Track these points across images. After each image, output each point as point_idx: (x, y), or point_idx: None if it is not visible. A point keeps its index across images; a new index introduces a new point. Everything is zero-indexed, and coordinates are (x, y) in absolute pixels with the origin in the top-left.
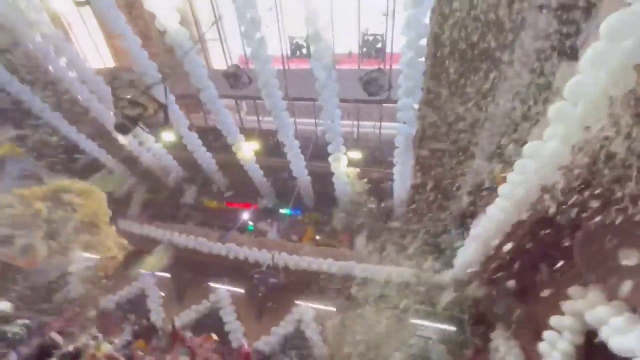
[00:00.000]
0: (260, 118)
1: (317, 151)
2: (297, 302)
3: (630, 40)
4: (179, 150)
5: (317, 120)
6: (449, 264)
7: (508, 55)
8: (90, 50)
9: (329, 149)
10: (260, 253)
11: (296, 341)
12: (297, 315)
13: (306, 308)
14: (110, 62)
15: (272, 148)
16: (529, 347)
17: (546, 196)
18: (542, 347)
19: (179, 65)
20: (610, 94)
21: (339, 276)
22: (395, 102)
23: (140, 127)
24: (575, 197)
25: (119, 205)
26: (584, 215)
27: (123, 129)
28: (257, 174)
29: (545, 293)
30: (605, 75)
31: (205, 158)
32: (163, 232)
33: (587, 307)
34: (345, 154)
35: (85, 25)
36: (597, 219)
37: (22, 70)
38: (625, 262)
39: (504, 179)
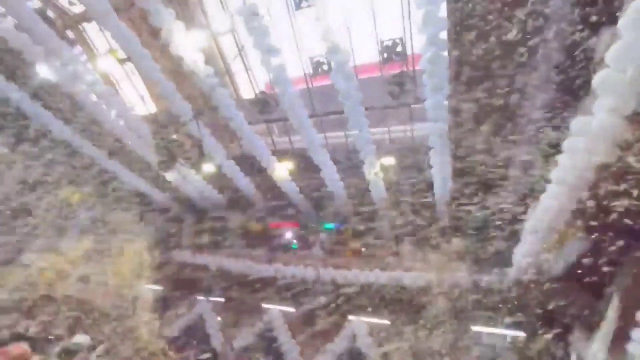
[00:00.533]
0: (292, 138)
1: (351, 162)
2: (349, 317)
3: None
4: (220, 179)
5: (347, 132)
6: (504, 264)
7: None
8: (135, 99)
9: (361, 156)
10: (306, 270)
11: (352, 358)
12: (349, 330)
13: (359, 323)
14: (153, 108)
15: (307, 165)
16: (614, 350)
17: (605, 175)
18: (631, 347)
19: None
20: None
21: (389, 287)
22: (422, 101)
23: (180, 163)
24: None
25: (171, 236)
26: None
27: (165, 166)
28: (293, 192)
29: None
30: None
31: (244, 183)
32: (213, 258)
33: None
34: (379, 160)
35: (130, 78)
36: None
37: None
38: None
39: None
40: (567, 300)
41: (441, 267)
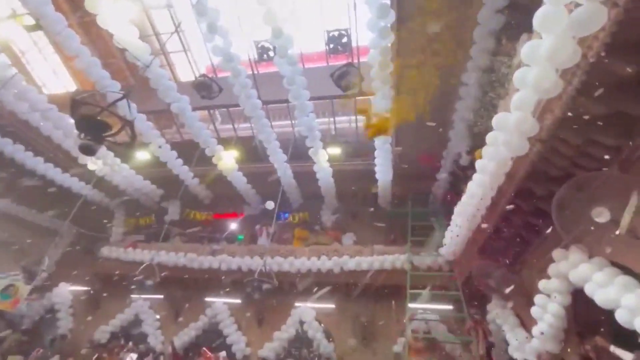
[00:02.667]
0: (236, 126)
1: (297, 152)
2: (296, 304)
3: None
4: (156, 167)
5: (293, 122)
6: (438, 246)
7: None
8: (48, 75)
9: (307, 143)
10: (252, 260)
11: (300, 343)
12: (297, 317)
13: (305, 309)
14: (72, 86)
15: (252, 154)
16: (522, 313)
17: (520, 166)
18: (534, 311)
19: (145, 81)
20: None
21: (334, 272)
22: (367, 95)
23: (106, 147)
24: (545, 163)
25: (99, 231)
26: (555, 179)
27: (88, 150)
28: (240, 181)
29: (533, 260)
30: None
31: (184, 172)
32: (149, 253)
33: (570, 267)
34: (324, 149)
35: (40, 51)
36: (567, 182)
37: None
38: (598, 219)
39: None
40: (486, 275)
41: (383, 251)
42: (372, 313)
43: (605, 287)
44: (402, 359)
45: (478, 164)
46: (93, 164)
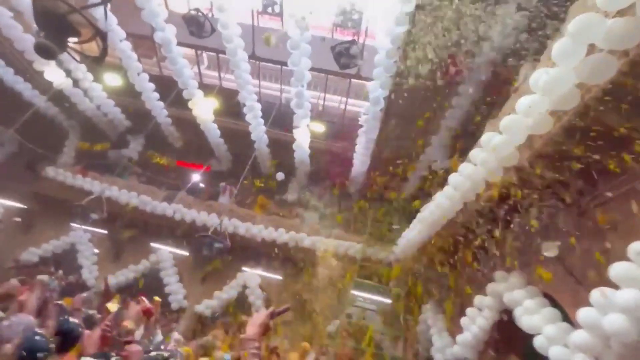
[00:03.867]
0: (222, 75)
1: (279, 119)
2: (243, 268)
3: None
4: (124, 96)
5: (282, 87)
6: (394, 243)
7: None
8: None
9: (297, 114)
10: (209, 217)
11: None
12: (241, 280)
13: (252, 275)
14: None
15: (231, 109)
16: (452, 321)
17: (488, 191)
18: (463, 321)
19: None
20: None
21: (288, 246)
22: (364, 79)
23: (69, 54)
24: (511, 194)
25: (47, 149)
26: (514, 212)
27: (46, 51)
28: (214, 134)
29: (475, 277)
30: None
31: (158, 109)
32: (100, 185)
33: (506, 289)
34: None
35: None
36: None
37: None
38: (546, 254)
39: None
40: (428, 279)
41: (340, 236)
42: (315, 292)
43: (532, 314)
44: (332, 338)
45: (451, 177)
46: (52, 73)
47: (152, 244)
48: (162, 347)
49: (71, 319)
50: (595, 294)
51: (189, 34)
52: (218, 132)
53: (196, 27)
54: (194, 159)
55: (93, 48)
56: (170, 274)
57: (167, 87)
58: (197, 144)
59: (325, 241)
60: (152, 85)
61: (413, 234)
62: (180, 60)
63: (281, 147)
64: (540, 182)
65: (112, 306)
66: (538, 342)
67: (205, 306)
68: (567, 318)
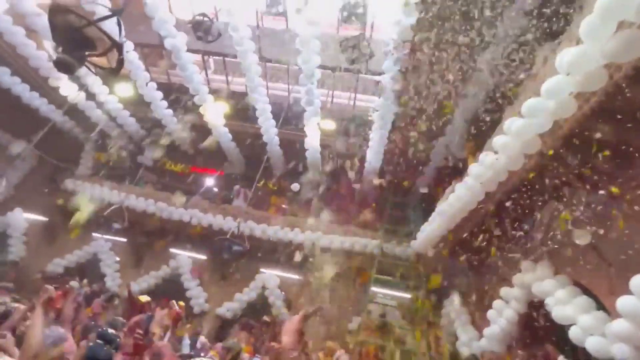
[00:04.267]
0: (229, 78)
1: (288, 119)
2: (261, 270)
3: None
4: (136, 106)
5: (290, 87)
6: (412, 237)
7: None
8: None
9: (307, 113)
10: (225, 220)
11: (259, 307)
12: (260, 282)
13: (270, 275)
14: None
15: (241, 112)
16: (476, 313)
17: (513, 179)
18: (490, 314)
19: (136, 7)
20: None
21: (305, 246)
22: (373, 74)
23: (87, 67)
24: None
25: (65, 162)
26: (541, 199)
27: (66, 66)
28: (225, 138)
29: (498, 268)
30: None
31: (168, 117)
32: (118, 194)
33: (535, 280)
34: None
35: None
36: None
37: None
38: (577, 241)
39: (475, 158)
40: (451, 274)
41: (356, 233)
42: (334, 290)
43: (564, 304)
44: (354, 335)
45: (471, 168)
46: (67, 88)
47: (172, 250)
48: (202, 354)
49: (109, 330)
50: (636, 281)
51: (196, 39)
52: (230, 136)
53: (203, 32)
54: (206, 163)
55: (103, 60)
56: (190, 278)
57: (176, 94)
58: (209, 149)
59: (341, 239)
60: (160, 94)
61: (432, 228)
62: (191, 67)
63: (293, 147)
64: (568, 169)
65: (144, 297)
66: (573, 333)
67: (227, 308)
68: (601, 307)
